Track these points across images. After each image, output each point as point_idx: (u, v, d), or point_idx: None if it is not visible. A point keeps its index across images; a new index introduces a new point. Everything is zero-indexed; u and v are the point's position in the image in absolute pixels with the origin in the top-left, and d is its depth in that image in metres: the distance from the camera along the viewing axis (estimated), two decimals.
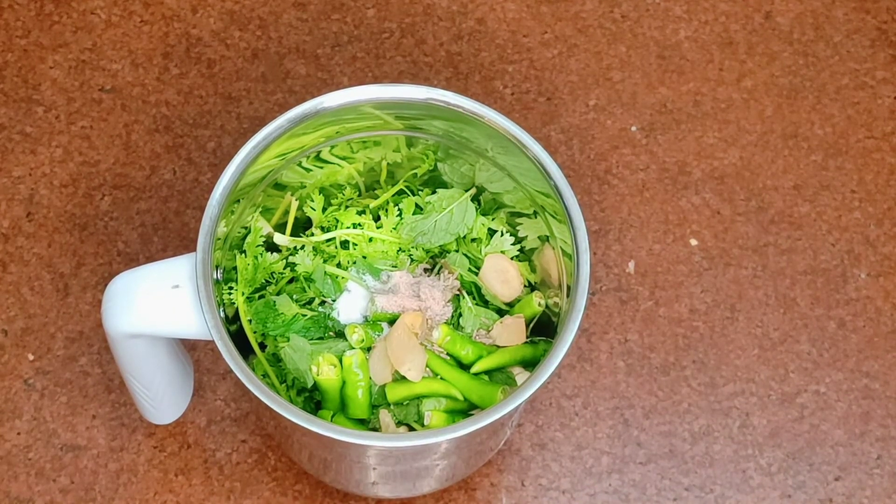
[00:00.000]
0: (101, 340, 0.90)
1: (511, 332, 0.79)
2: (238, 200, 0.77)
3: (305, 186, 0.81)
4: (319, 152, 0.80)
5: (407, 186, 0.83)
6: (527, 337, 0.80)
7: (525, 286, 0.81)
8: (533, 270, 0.81)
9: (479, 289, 0.80)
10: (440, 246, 0.81)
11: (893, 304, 0.93)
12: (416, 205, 0.82)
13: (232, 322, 0.78)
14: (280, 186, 0.80)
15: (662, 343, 0.92)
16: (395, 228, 0.81)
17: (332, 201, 0.83)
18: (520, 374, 0.78)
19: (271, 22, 1.00)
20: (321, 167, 0.81)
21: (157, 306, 0.72)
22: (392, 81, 0.98)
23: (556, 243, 0.77)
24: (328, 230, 0.82)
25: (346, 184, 0.83)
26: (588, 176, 0.96)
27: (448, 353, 0.78)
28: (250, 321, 0.78)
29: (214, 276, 0.74)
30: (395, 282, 0.80)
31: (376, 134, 0.80)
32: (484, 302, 0.81)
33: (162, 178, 0.95)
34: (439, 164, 0.81)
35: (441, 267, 0.81)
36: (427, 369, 0.77)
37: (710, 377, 0.91)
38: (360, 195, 0.84)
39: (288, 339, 0.78)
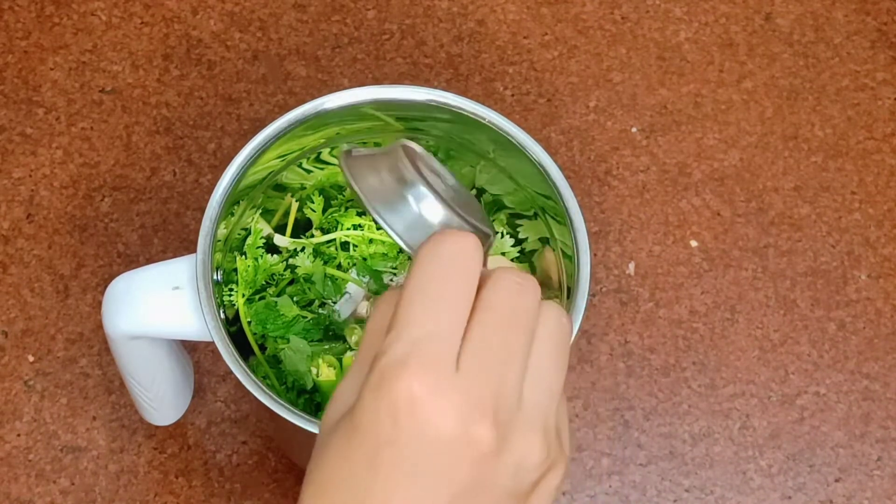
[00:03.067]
0: (102, 342, 0.90)
1: None
2: (238, 202, 0.77)
3: (306, 188, 0.81)
4: (320, 153, 0.80)
5: None
6: None
7: None
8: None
9: None
10: None
11: (894, 306, 0.93)
12: None
13: (232, 323, 0.78)
14: (280, 188, 0.80)
15: (662, 344, 0.92)
16: None
17: (333, 203, 0.83)
18: None
19: (271, 23, 1.00)
20: (321, 168, 0.81)
21: (157, 308, 0.72)
22: (392, 83, 0.98)
23: (557, 245, 0.77)
24: (328, 232, 0.82)
25: (346, 185, 0.83)
26: (588, 177, 0.96)
27: None
28: (250, 323, 0.78)
29: (214, 278, 0.74)
30: (396, 283, 0.80)
31: (377, 135, 0.80)
32: None
33: (162, 180, 0.95)
34: None
35: None
36: None
37: (711, 378, 0.91)
38: None
39: (288, 341, 0.77)
